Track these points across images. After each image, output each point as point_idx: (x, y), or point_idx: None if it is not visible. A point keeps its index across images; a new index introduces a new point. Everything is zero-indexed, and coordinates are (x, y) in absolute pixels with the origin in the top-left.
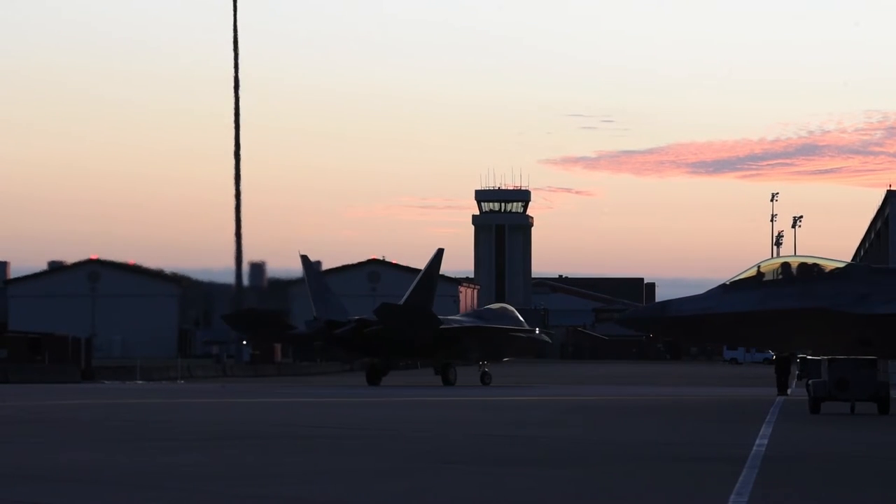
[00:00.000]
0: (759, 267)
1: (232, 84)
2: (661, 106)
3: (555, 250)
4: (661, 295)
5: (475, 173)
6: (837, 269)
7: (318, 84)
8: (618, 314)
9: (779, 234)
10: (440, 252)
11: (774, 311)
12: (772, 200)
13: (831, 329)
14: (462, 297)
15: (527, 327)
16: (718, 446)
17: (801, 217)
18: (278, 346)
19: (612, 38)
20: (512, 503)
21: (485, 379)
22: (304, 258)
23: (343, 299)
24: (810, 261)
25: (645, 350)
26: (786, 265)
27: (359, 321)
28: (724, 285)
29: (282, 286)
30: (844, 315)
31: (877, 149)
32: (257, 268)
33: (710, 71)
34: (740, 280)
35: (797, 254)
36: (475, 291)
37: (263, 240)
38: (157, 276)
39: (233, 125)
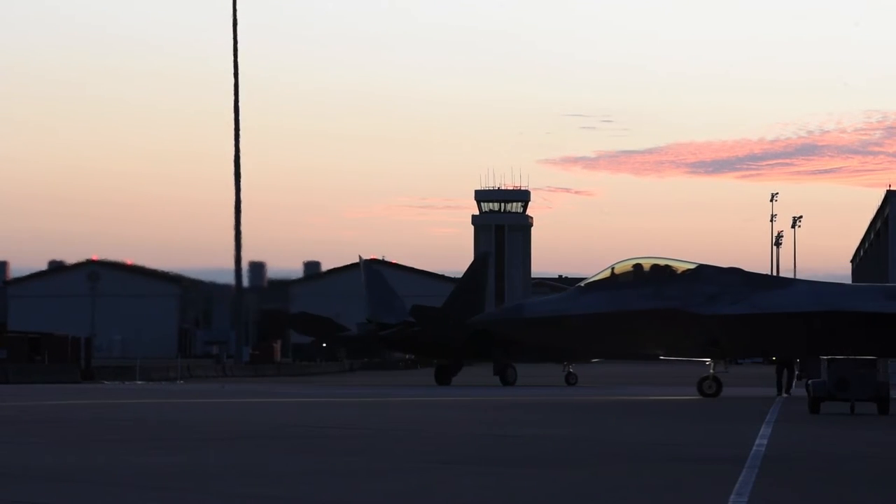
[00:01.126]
0: (612, 269)
1: (232, 84)
2: (661, 106)
3: (555, 250)
4: None
5: (475, 173)
6: (689, 269)
7: (318, 84)
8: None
9: (778, 234)
10: (484, 255)
11: (627, 312)
12: (771, 200)
13: (682, 330)
14: None
15: None
16: (718, 446)
17: (801, 217)
18: (277, 346)
19: (612, 38)
20: (512, 503)
21: (570, 379)
22: (367, 262)
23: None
24: (662, 262)
25: None
26: (639, 266)
27: (405, 323)
28: (579, 287)
29: (282, 286)
30: (694, 316)
31: (876, 149)
32: (257, 268)
33: (709, 71)
34: (595, 282)
35: (650, 255)
36: None
37: (263, 240)
38: (157, 276)
39: (233, 125)
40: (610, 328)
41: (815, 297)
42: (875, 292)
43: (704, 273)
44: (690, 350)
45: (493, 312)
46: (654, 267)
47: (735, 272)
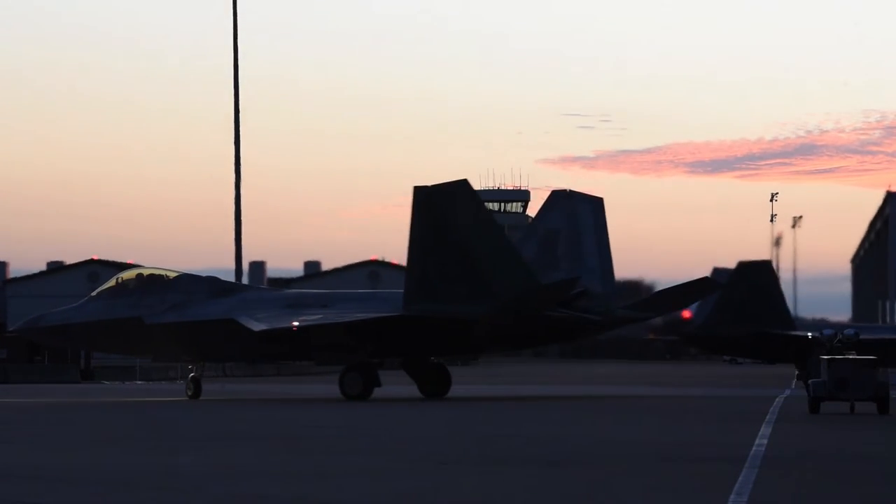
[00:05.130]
0: (118, 278)
1: (232, 84)
2: (660, 105)
3: None
4: None
5: (474, 173)
6: (174, 278)
7: (318, 84)
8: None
9: (778, 234)
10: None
11: (111, 320)
12: (771, 200)
13: (143, 338)
14: None
15: None
16: (718, 446)
17: (801, 217)
18: None
19: (611, 38)
20: (512, 503)
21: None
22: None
23: None
24: (159, 272)
25: (644, 350)
26: (140, 276)
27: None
28: (91, 296)
29: (281, 286)
30: (146, 325)
31: (875, 148)
32: (257, 267)
33: (709, 71)
34: (102, 291)
35: (145, 265)
36: None
37: (263, 240)
38: None
39: (233, 125)
40: (105, 335)
41: (224, 306)
42: (271, 303)
43: (180, 282)
44: (147, 353)
45: (24, 321)
46: (150, 276)
47: (209, 280)
